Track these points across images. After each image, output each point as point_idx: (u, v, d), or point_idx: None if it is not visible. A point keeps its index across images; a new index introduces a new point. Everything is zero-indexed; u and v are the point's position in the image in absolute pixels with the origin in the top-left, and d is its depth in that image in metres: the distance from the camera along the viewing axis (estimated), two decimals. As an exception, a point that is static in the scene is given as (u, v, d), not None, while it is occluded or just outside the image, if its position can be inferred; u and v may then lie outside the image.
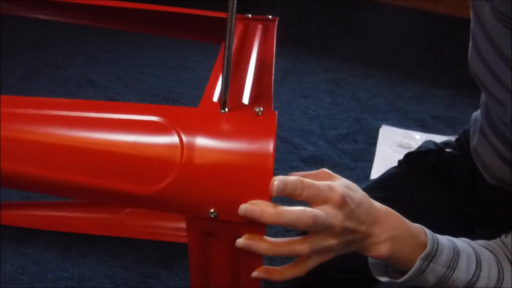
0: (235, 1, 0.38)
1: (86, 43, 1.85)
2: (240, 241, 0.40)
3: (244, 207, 0.39)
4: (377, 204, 0.45)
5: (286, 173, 1.16)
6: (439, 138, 0.79)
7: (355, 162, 1.27)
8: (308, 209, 0.40)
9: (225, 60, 0.41)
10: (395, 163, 0.76)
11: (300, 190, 0.40)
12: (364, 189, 0.70)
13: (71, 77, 1.64)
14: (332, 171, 0.45)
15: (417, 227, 0.47)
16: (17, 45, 1.80)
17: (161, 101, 1.53)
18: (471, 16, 0.53)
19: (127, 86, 1.60)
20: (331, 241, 0.41)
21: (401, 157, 0.75)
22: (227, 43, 0.40)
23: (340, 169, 1.23)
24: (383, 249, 0.44)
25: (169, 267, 0.97)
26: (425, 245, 0.45)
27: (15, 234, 1.02)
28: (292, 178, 0.40)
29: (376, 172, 1.22)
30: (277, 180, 0.39)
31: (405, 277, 0.46)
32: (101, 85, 1.60)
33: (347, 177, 0.44)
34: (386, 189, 0.70)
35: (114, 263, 0.97)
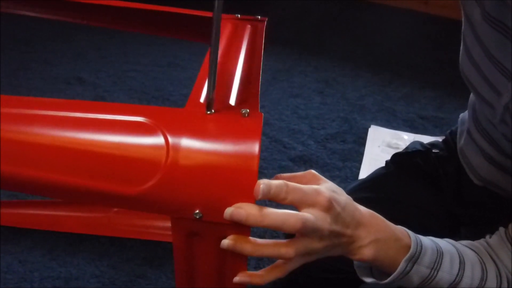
0: (221, 2, 0.38)
1: (75, 40, 1.84)
2: (225, 242, 0.40)
3: (230, 211, 0.39)
4: (361, 207, 0.46)
5: (275, 172, 1.16)
6: (427, 139, 0.80)
7: (344, 162, 1.28)
8: (295, 212, 0.40)
9: (211, 62, 0.41)
10: (383, 163, 0.76)
11: (285, 194, 0.40)
12: (351, 189, 0.71)
13: (59, 74, 1.62)
14: (321, 170, 0.45)
15: (400, 229, 0.47)
16: (5, 41, 1.78)
17: (151, 99, 1.53)
18: (462, 17, 0.54)
19: (116, 84, 1.59)
20: (317, 245, 0.41)
21: (389, 157, 0.75)
22: (212, 46, 0.40)
23: (329, 169, 1.24)
24: (367, 252, 0.44)
25: (157, 266, 0.96)
26: (408, 247, 0.46)
27: (1, 233, 1.01)
28: (277, 181, 0.40)
29: (365, 172, 1.23)
30: (263, 184, 0.39)
31: (389, 279, 0.46)
32: (90, 82, 1.59)
33: (336, 176, 0.45)
34: (373, 189, 0.70)
35: (101, 262, 0.97)
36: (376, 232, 0.45)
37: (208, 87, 0.42)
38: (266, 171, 1.23)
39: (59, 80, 1.59)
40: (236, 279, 0.43)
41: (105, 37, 1.86)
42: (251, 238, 0.41)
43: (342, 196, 0.43)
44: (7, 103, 0.42)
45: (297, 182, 0.41)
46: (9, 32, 1.84)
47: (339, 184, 0.45)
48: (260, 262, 0.98)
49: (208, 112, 0.43)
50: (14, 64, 1.66)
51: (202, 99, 0.46)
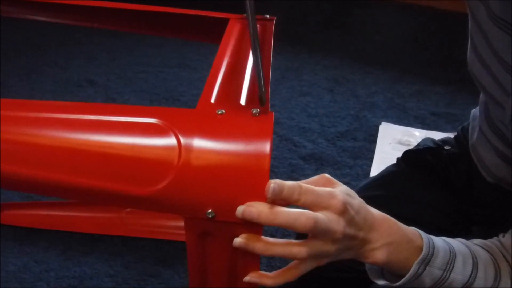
0: (253, 2, 0.39)
1: (86, 43, 1.86)
2: (237, 241, 0.40)
3: (241, 209, 0.39)
4: (373, 210, 0.45)
5: (286, 171, 1.16)
6: (439, 135, 0.79)
7: (355, 160, 1.27)
8: (308, 211, 0.40)
9: (255, 58, 0.41)
10: (394, 161, 0.76)
11: (298, 195, 0.40)
12: (362, 187, 0.71)
13: (71, 77, 1.64)
14: (332, 168, 0.45)
15: (412, 230, 0.47)
16: (17, 46, 1.81)
17: (161, 100, 1.54)
18: (469, 16, 0.53)
19: (127, 86, 1.61)
20: (330, 247, 0.41)
21: (400, 154, 0.75)
22: (252, 39, 0.40)
23: (340, 167, 1.23)
24: (379, 255, 0.44)
25: (169, 266, 0.97)
26: (421, 249, 0.45)
27: (18, 234, 1.03)
28: (290, 182, 0.40)
29: (376, 169, 1.22)
30: (273, 183, 0.39)
31: (401, 281, 0.46)
32: (101, 84, 1.60)
33: (347, 174, 0.45)
34: (384, 187, 0.70)
35: (114, 261, 0.98)
36: (388, 235, 0.44)
37: (258, 83, 0.42)
38: (277, 169, 1.23)
39: (71, 83, 1.61)
40: (247, 278, 0.43)
41: (115, 40, 1.87)
42: (263, 237, 0.41)
43: (355, 200, 0.43)
44: (23, 107, 0.43)
45: None
46: (22, 37, 1.87)
47: (350, 182, 0.45)
48: (272, 260, 0.98)
49: (254, 112, 0.43)
50: (27, 68, 1.68)
51: (213, 100, 0.46)
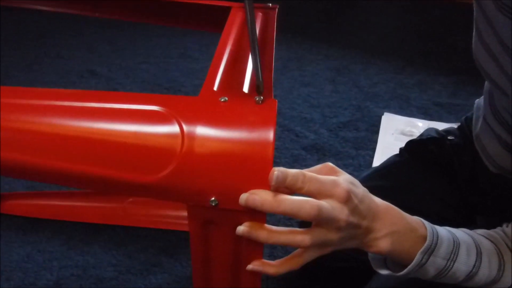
0: None
1: (87, 33, 1.85)
2: (240, 229, 0.40)
3: (245, 197, 0.39)
4: (377, 199, 0.45)
5: (288, 161, 1.16)
6: (442, 126, 0.79)
7: (357, 150, 1.27)
8: (312, 199, 0.40)
9: (252, 45, 0.41)
10: (397, 151, 0.76)
11: (301, 183, 0.40)
12: (365, 178, 0.71)
13: (73, 67, 1.64)
14: (334, 159, 0.45)
15: (416, 220, 0.47)
16: (18, 36, 1.80)
17: (163, 90, 1.53)
18: (473, 3, 0.52)
19: (128, 76, 1.60)
20: (333, 235, 0.41)
21: (403, 145, 0.75)
22: (249, 27, 0.40)
23: (342, 157, 1.23)
24: (383, 245, 0.44)
25: (172, 255, 0.98)
26: (424, 238, 0.45)
27: (21, 223, 1.03)
28: (294, 170, 0.39)
29: (378, 160, 1.22)
30: (277, 171, 0.39)
31: (405, 271, 0.46)
32: (103, 75, 1.60)
33: (349, 165, 0.44)
34: (387, 177, 0.70)
35: (117, 251, 0.98)
36: (392, 224, 0.44)
37: (255, 71, 0.42)
38: (278, 160, 1.23)
39: (72, 74, 1.61)
40: (250, 267, 0.43)
41: (116, 30, 1.86)
42: (266, 225, 0.41)
43: (359, 189, 0.43)
44: (27, 95, 0.43)
45: None
46: (22, 27, 1.86)
47: (352, 172, 0.44)
48: (274, 250, 0.98)
49: (257, 99, 0.42)
50: (28, 58, 1.68)
51: (215, 87, 0.46)
